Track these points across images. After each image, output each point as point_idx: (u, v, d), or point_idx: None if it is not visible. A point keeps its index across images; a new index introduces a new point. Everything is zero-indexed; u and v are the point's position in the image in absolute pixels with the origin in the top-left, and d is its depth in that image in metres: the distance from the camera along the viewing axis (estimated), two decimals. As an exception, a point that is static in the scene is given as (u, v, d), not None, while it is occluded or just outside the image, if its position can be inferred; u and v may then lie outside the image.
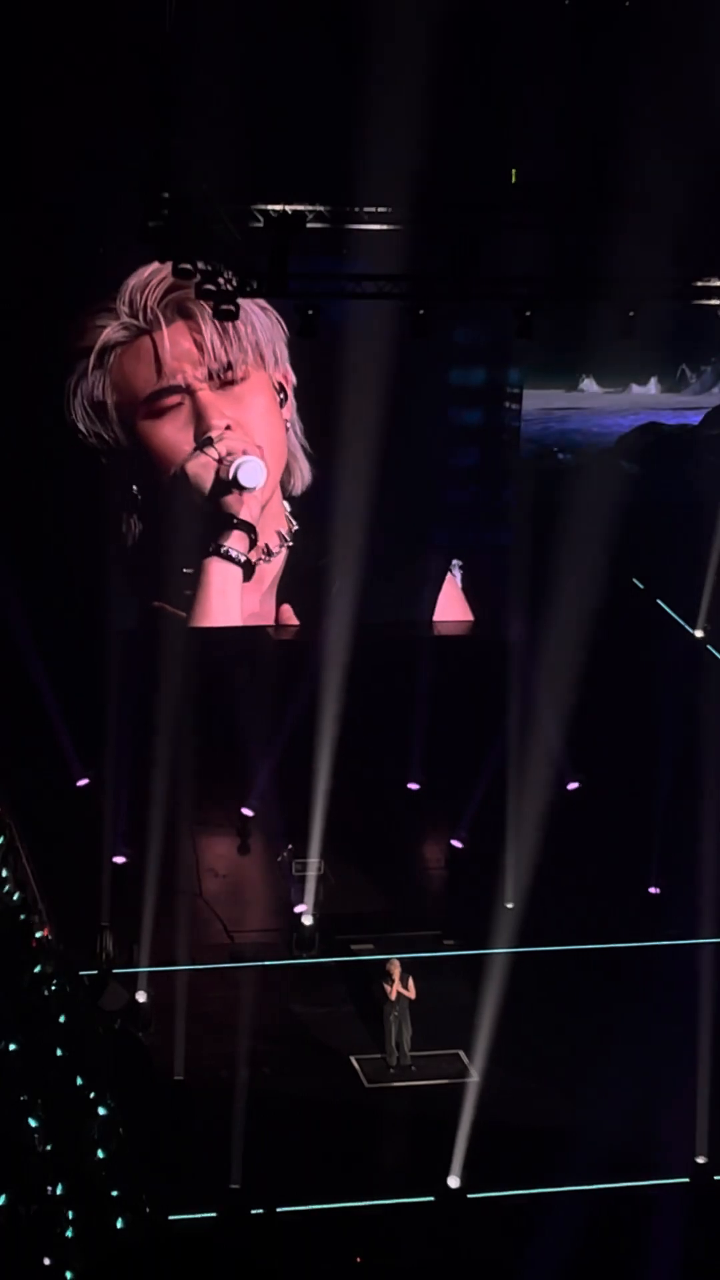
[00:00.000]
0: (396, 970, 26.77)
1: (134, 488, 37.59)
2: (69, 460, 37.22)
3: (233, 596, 38.16)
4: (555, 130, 31.75)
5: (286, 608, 38.76)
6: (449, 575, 39.63)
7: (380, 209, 27.93)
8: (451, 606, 39.80)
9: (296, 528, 38.38)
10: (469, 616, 39.78)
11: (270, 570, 38.45)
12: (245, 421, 37.62)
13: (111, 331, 36.81)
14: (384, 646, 37.06)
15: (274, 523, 38.29)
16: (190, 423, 37.31)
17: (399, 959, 27.18)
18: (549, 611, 35.19)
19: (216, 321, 34.27)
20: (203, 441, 36.91)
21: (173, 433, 37.37)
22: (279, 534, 38.35)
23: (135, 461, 37.49)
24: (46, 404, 36.99)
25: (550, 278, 29.17)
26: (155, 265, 35.73)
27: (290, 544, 38.35)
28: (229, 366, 37.19)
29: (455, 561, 39.65)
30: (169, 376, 36.98)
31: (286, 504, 38.37)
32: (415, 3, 32.73)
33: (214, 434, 37.09)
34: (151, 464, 37.52)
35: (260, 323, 37.21)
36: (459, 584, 39.67)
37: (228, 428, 37.41)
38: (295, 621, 38.74)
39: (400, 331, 30.45)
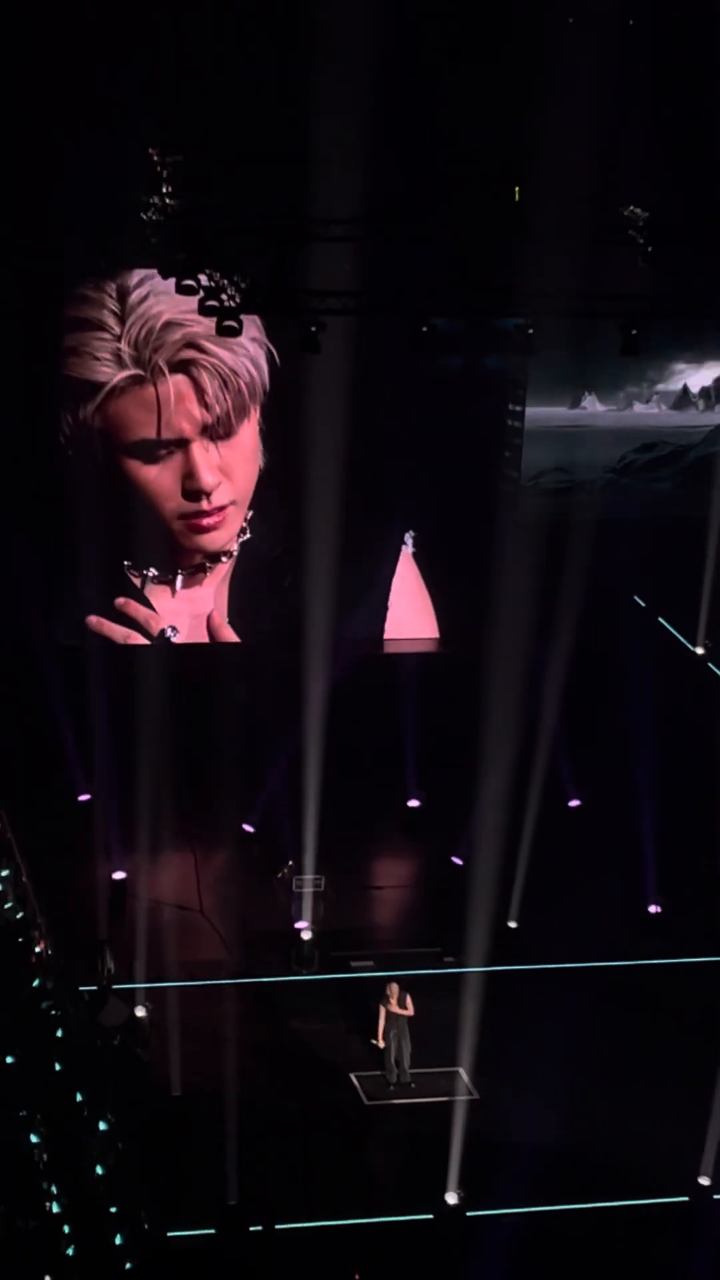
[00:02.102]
0: (395, 992, 26.72)
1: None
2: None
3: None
4: (558, 149, 31.83)
5: (218, 619, 38.89)
6: (403, 548, 39.65)
7: (383, 225, 27.97)
8: (408, 585, 39.85)
9: (249, 528, 38.46)
10: (426, 597, 39.85)
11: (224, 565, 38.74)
12: (233, 469, 37.79)
13: (116, 375, 36.67)
14: (378, 662, 37.17)
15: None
16: (179, 471, 37.38)
17: (397, 978, 27.11)
18: (549, 628, 35.21)
19: (219, 374, 34.46)
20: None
21: (160, 475, 37.43)
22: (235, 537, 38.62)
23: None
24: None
25: (555, 295, 29.24)
26: (160, 308, 35.77)
27: (248, 535, 38.42)
28: (225, 419, 37.27)
29: (409, 534, 39.58)
30: (166, 427, 37.06)
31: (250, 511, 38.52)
32: (420, 20, 32.98)
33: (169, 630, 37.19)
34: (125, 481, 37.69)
35: (251, 364, 37.25)
36: (411, 554, 39.75)
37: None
38: (232, 636, 38.85)
39: (398, 346, 30.42)
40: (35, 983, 25.34)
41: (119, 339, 36.57)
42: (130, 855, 31.13)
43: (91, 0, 32.88)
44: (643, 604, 40.19)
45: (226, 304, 26.92)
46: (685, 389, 42.33)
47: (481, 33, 33.63)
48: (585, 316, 29.53)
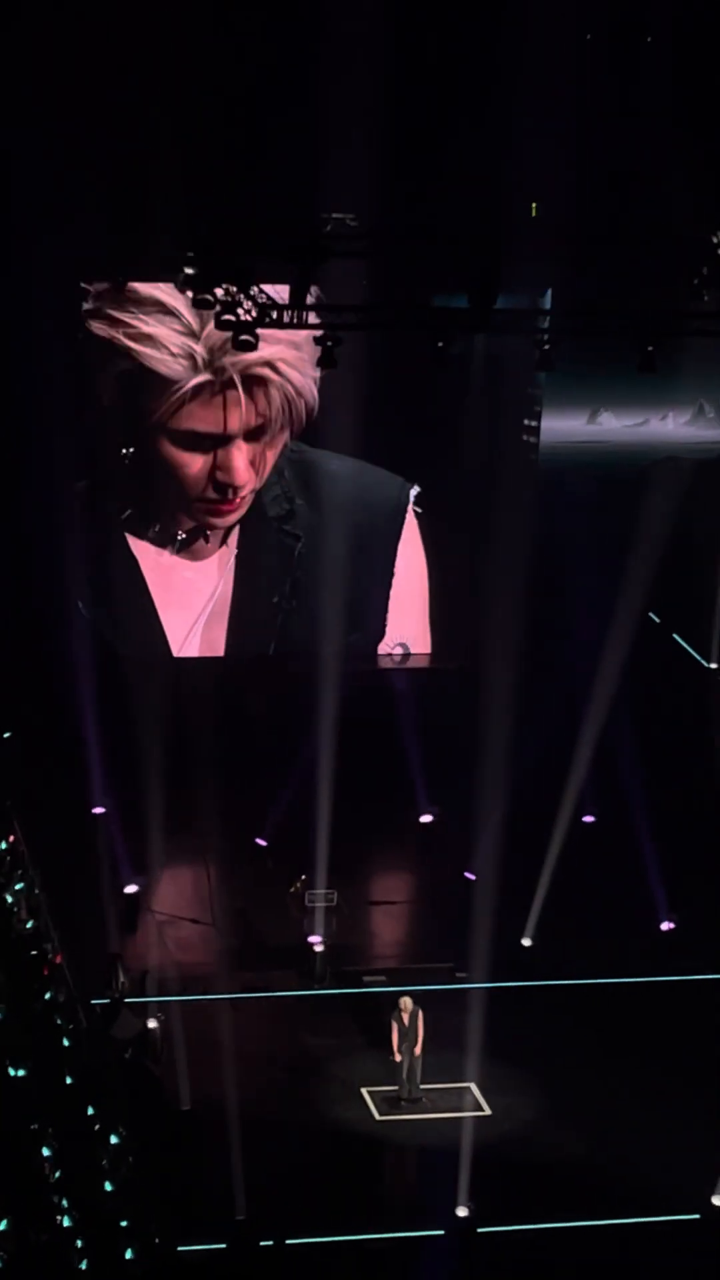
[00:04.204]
0: (408, 1005, 26.69)
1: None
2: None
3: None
4: (576, 164, 31.89)
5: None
6: (409, 510, 39.61)
7: (400, 242, 27.99)
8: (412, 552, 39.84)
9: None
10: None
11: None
12: (262, 464, 37.81)
13: (190, 380, 36.44)
14: (396, 676, 37.19)
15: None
16: (214, 465, 37.35)
17: (409, 994, 27.09)
18: (563, 643, 35.23)
19: (284, 394, 35.02)
20: None
21: (195, 464, 37.36)
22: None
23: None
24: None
25: (570, 311, 29.26)
26: None
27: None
28: (272, 428, 37.33)
29: (413, 490, 39.48)
30: (216, 426, 37.02)
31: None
32: (426, 33, 33.04)
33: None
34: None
35: (313, 385, 37.30)
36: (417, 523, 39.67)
37: None
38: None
39: (418, 362, 30.44)
40: (48, 995, 25.34)
41: (195, 337, 36.38)
42: (143, 869, 31.13)
43: (120, 21, 32.91)
44: (657, 619, 40.19)
45: (243, 319, 26.92)
46: (701, 405, 42.37)
47: (491, 45, 33.72)
48: (602, 334, 29.49)
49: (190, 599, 38.53)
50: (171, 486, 37.58)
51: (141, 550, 38.09)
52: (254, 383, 36.84)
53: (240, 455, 37.44)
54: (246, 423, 37.15)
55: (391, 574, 39.37)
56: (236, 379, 36.59)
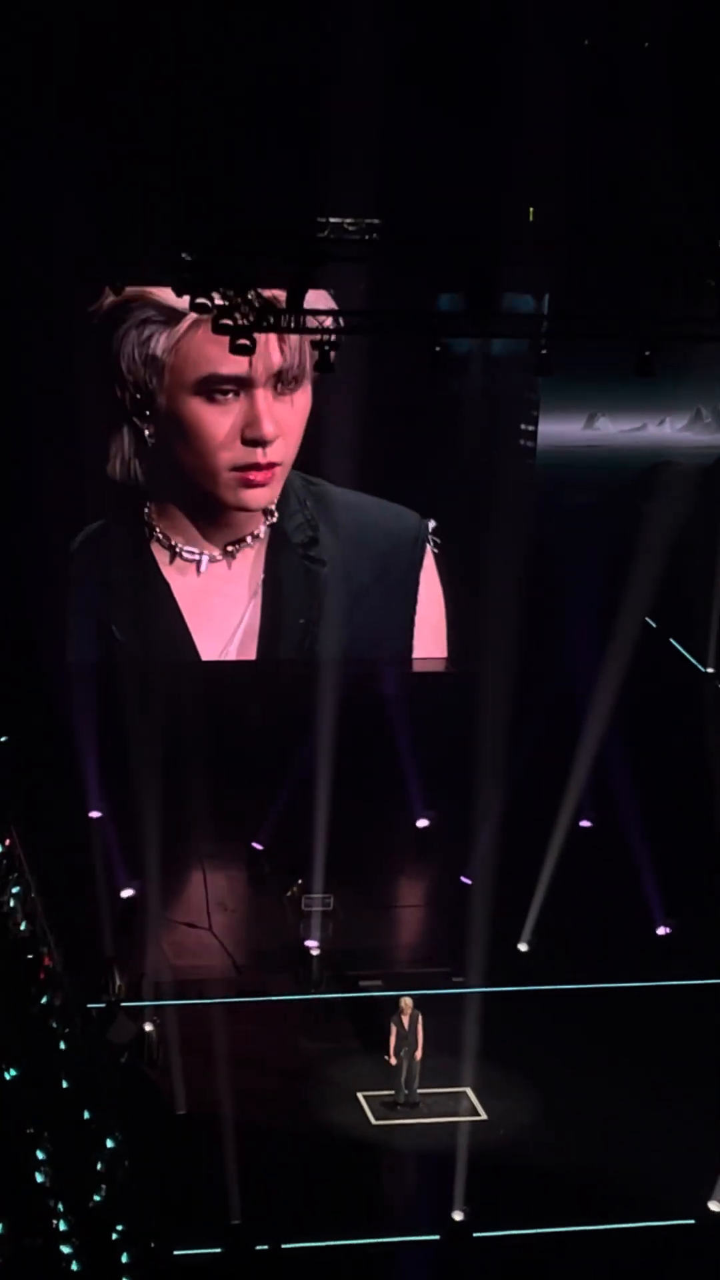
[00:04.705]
0: (408, 1008, 26.67)
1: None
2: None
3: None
4: (573, 169, 31.87)
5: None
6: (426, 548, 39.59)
7: (397, 245, 28.00)
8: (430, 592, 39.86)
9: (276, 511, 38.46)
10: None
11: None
12: (290, 429, 37.55)
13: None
14: (393, 679, 37.18)
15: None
16: (240, 418, 37.11)
17: (410, 996, 27.07)
18: (560, 648, 35.22)
19: None
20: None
21: (220, 419, 37.18)
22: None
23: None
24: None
25: (566, 315, 29.26)
26: None
27: (274, 518, 38.36)
28: (293, 372, 37.05)
29: (430, 524, 39.44)
30: (238, 365, 35.99)
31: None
32: (425, 37, 33.01)
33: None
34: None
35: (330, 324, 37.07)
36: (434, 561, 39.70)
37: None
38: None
39: (415, 366, 30.45)
40: (43, 999, 25.32)
41: None
42: (139, 872, 31.11)
43: (117, 24, 32.87)
44: (653, 624, 40.22)
45: (240, 322, 26.94)
46: (699, 410, 42.39)
47: (489, 49, 33.71)
48: (599, 337, 29.50)
49: (222, 620, 38.59)
50: (199, 488, 37.35)
51: (172, 573, 38.06)
52: None
53: (265, 404, 37.02)
54: (270, 362, 36.62)
55: (415, 601, 39.59)
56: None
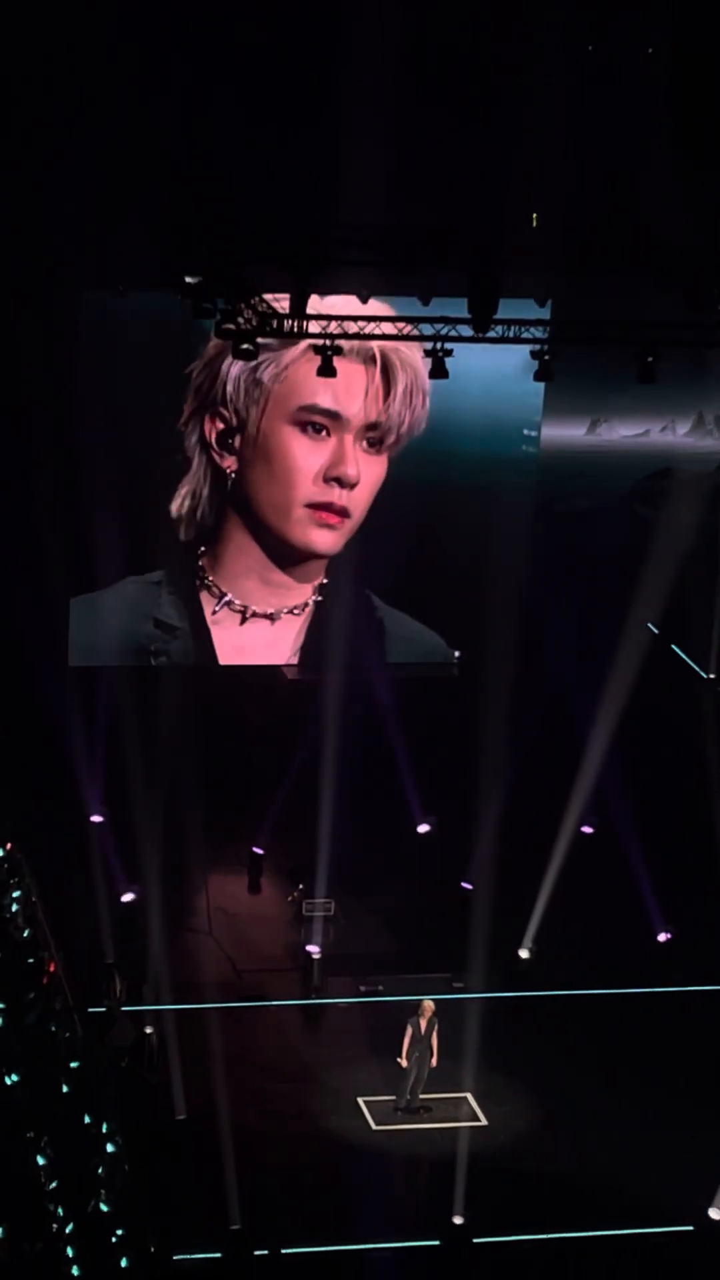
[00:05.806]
0: (429, 1011, 26.56)
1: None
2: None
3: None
4: (577, 174, 31.91)
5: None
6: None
7: (399, 250, 27.97)
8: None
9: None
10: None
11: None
12: (368, 483, 37.61)
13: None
14: (393, 685, 37.13)
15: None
16: (328, 458, 37.10)
17: (413, 1003, 27.00)
18: (561, 654, 35.19)
19: (405, 378, 35.35)
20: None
21: (308, 450, 37.13)
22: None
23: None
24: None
25: (568, 321, 29.27)
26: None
27: (321, 598, 38.42)
28: (384, 429, 37.19)
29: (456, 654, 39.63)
30: (338, 401, 36.55)
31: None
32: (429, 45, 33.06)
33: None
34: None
35: (423, 399, 37.25)
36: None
37: None
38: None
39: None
40: (44, 1004, 25.31)
41: None
42: (140, 877, 31.09)
43: (120, 26, 32.94)
44: (655, 630, 40.23)
45: (243, 327, 26.94)
46: (701, 416, 42.42)
47: (493, 56, 33.76)
48: (601, 342, 29.50)
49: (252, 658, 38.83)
50: (270, 526, 37.40)
51: (214, 620, 38.19)
52: (383, 357, 36.57)
53: (354, 451, 37.14)
54: (367, 411, 36.86)
55: None
56: (375, 348, 35.94)
